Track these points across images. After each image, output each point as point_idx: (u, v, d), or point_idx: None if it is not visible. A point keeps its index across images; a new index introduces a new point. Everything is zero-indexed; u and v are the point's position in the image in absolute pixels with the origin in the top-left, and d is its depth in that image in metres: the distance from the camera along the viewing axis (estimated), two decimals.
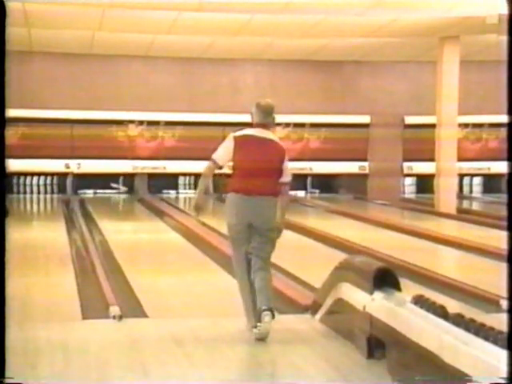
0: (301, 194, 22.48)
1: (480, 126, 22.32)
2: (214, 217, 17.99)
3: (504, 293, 8.47)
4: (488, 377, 4.44)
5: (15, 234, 12.51)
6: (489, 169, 22.17)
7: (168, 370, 5.82)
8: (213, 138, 21.33)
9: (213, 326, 7.20)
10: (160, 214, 17.82)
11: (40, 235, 14.78)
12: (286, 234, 12.21)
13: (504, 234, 13.91)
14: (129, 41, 18.54)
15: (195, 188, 22.45)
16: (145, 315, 7.71)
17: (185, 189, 22.47)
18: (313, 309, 7.43)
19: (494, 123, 22.04)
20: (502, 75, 20.15)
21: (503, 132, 22.11)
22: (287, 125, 21.78)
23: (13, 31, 14.81)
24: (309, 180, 23.05)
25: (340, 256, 6.96)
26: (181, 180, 22.50)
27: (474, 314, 5.95)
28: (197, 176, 21.95)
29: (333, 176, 23.01)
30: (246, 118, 24.79)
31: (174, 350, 6.38)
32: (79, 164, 21.25)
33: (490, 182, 22.51)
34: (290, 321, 7.41)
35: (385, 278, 6.20)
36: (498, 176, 21.92)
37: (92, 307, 7.97)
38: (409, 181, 23.16)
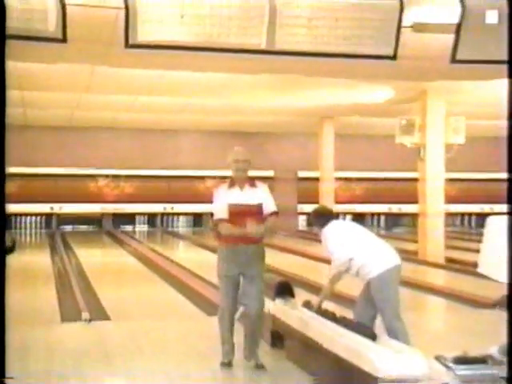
0: None
1: (358, 180, 22.66)
2: (161, 244, 17.96)
3: None
4: (358, 359, 4.53)
5: (11, 259, 12.26)
6: (355, 209, 22.54)
7: (126, 360, 5.79)
8: (160, 188, 21.61)
9: (161, 326, 7.19)
10: (121, 243, 17.63)
11: (30, 260, 14.45)
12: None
13: None
14: (99, 117, 18.42)
15: (148, 224, 22.33)
16: (108, 318, 7.63)
17: (139, 224, 22.31)
18: None
19: (360, 178, 22.51)
20: (363, 145, 20.22)
21: (367, 184, 22.57)
22: (214, 177, 21.95)
23: (13, 111, 14.59)
24: None
25: None
26: (137, 218, 22.35)
27: (344, 312, 6.05)
28: (150, 215, 22.05)
29: None
30: (185, 173, 24.43)
31: (130, 345, 6.34)
32: (61, 207, 21.01)
33: (357, 219, 22.84)
34: (217, 321, 7.41)
35: (284, 288, 6.29)
36: (363, 215, 22.41)
37: (68, 313, 7.87)
38: (302, 217, 23.34)
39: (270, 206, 5.47)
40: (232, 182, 5.43)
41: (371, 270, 5.23)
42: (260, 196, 5.44)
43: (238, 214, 5.30)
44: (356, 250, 5.33)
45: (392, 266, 5.27)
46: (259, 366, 5.39)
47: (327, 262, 14.56)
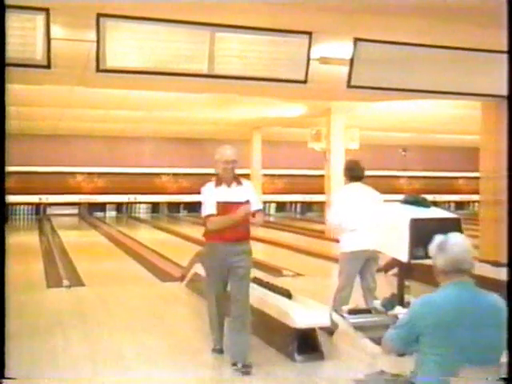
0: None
1: (280, 176, 22.77)
2: (126, 227, 17.70)
3: (286, 266, 8.69)
4: (281, 315, 4.53)
5: (8, 239, 11.87)
6: (278, 199, 22.66)
7: (98, 317, 5.77)
8: (125, 183, 21.31)
9: (126, 291, 7.15)
10: (94, 226, 17.32)
11: (23, 239, 14.11)
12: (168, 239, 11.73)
13: (287, 235, 14.08)
14: (78, 126, 18.05)
15: (116, 211, 21.94)
16: (84, 285, 7.54)
17: (109, 211, 21.92)
18: (181, 278, 7.44)
19: (282, 174, 22.67)
20: (284, 149, 20.24)
21: (286, 179, 22.71)
22: (168, 174, 21.84)
23: (11, 123, 14.13)
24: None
25: (196, 248, 6.99)
26: (107, 206, 21.95)
27: (269, 278, 6.11)
28: (118, 204, 21.70)
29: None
30: (146, 171, 24.03)
31: (101, 306, 6.30)
32: (47, 198, 20.55)
33: (280, 206, 22.94)
34: (169, 286, 7.40)
35: None
36: (284, 203, 22.60)
37: (52, 280, 7.77)
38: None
39: (256, 203, 4.36)
40: (219, 181, 4.36)
41: (344, 245, 5.03)
42: (246, 193, 4.36)
43: (228, 211, 4.22)
44: (346, 225, 4.93)
45: (359, 249, 4.85)
46: (246, 367, 4.13)
47: (259, 240, 14.70)
